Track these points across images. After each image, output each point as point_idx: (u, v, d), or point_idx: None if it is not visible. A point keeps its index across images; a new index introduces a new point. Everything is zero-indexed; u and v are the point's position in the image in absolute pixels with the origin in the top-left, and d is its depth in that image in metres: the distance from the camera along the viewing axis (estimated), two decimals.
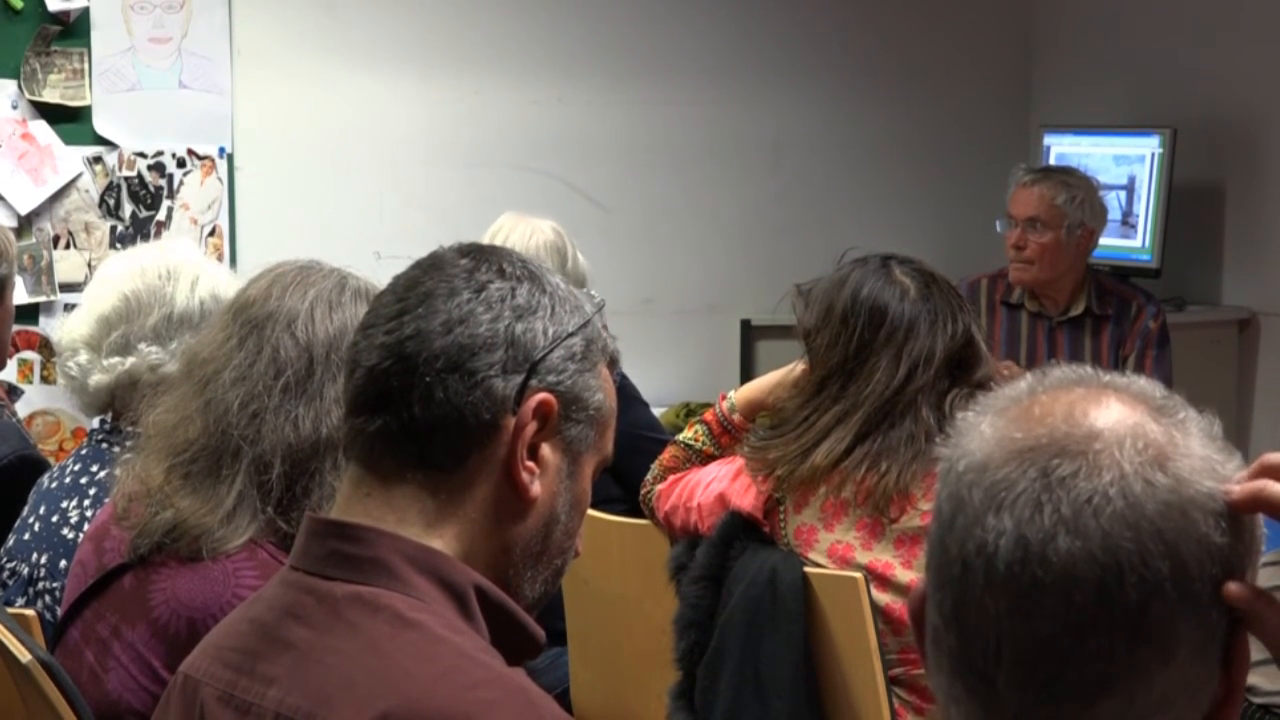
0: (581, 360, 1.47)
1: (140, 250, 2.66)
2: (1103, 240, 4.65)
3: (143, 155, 4.73)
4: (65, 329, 2.59)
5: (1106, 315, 4.55)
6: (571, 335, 1.46)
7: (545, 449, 1.45)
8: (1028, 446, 1.01)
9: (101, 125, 4.68)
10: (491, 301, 1.44)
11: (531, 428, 1.43)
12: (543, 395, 1.44)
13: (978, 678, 1.02)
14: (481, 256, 1.48)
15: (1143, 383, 1.08)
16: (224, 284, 2.53)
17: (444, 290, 1.44)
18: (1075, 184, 4.49)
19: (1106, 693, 0.99)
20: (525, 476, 1.44)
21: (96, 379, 2.53)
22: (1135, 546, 0.98)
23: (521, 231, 3.71)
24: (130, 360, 2.51)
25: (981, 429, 1.05)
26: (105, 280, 2.58)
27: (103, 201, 4.70)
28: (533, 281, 1.47)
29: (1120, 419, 1.02)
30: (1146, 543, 0.98)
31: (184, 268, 2.55)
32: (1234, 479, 1.04)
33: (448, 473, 1.43)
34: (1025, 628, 1.00)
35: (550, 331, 1.45)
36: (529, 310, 1.45)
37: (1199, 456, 1.02)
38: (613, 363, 1.53)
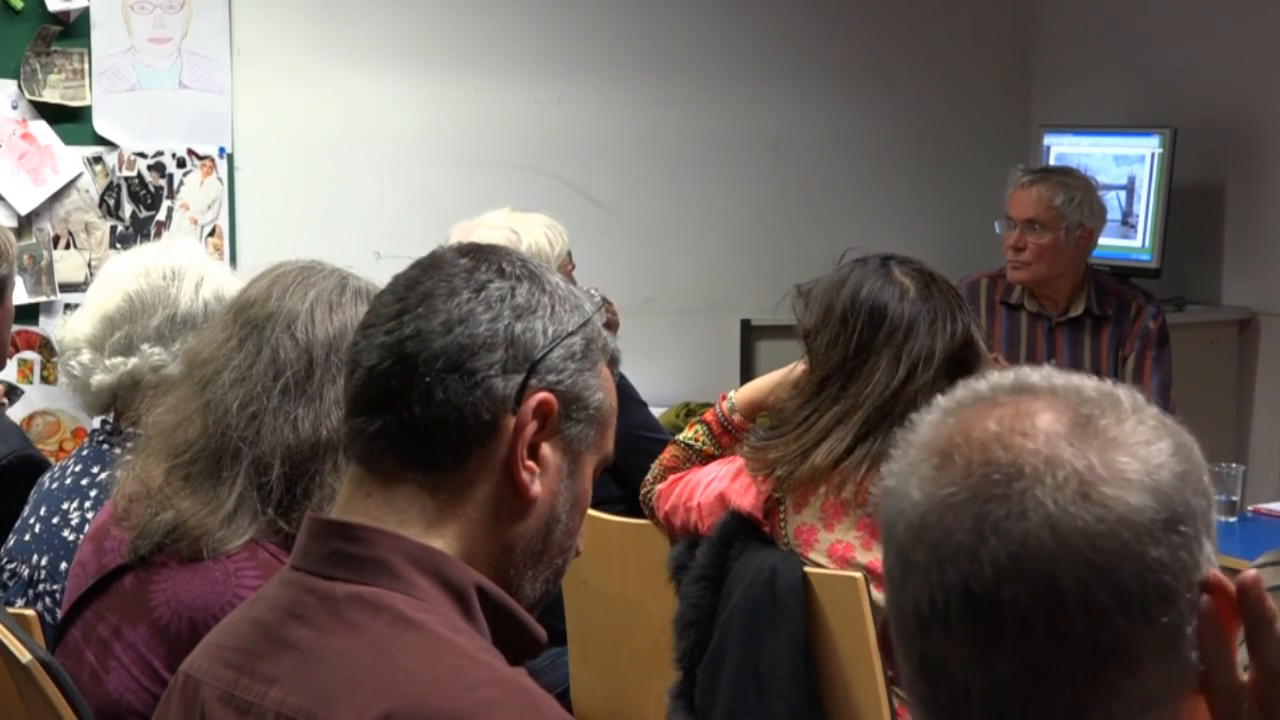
0: (581, 359, 1.47)
1: (144, 250, 2.66)
2: (1103, 240, 4.65)
3: (143, 155, 4.73)
4: (68, 328, 2.59)
5: (1106, 316, 4.55)
6: (571, 334, 1.47)
7: (545, 448, 1.46)
8: (958, 499, 1.03)
9: (101, 125, 4.68)
10: (491, 301, 1.44)
11: (531, 427, 1.43)
12: (543, 395, 1.44)
13: None
14: (481, 256, 1.48)
15: (1060, 382, 1.08)
16: (228, 285, 2.52)
17: (444, 290, 1.44)
18: (1073, 184, 4.49)
19: (1082, 716, 1.01)
20: (525, 476, 1.44)
21: (99, 379, 2.52)
22: (1074, 584, 0.99)
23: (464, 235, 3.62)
24: (133, 361, 2.50)
25: (910, 491, 1.06)
26: (109, 279, 2.57)
27: (103, 201, 4.70)
28: (532, 281, 1.47)
29: (1037, 448, 1.02)
30: (1085, 577, 1.00)
31: (189, 268, 2.55)
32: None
33: (448, 472, 1.43)
34: (988, 673, 1.02)
35: (550, 331, 1.45)
36: (529, 310, 1.45)
37: (1122, 469, 1.02)
38: (613, 362, 1.53)
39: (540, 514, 1.46)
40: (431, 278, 1.46)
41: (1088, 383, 1.08)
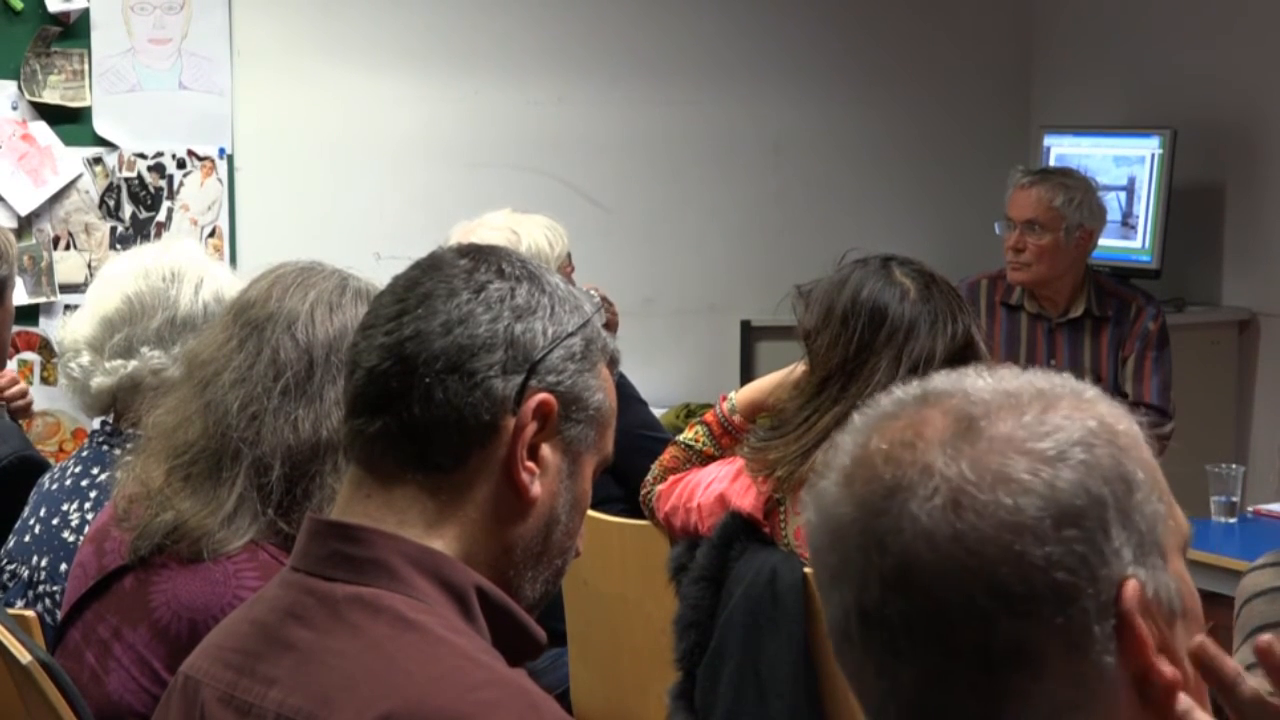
0: (581, 360, 1.47)
1: (144, 250, 2.65)
2: (1103, 241, 4.65)
3: (143, 156, 4.73)
4: (68, 329, 2.58)
5: (1106, 316, 4.55)
6: (571, 335, 1.47)
7: (545, 449, 1.46)
8: (846, 519, 1.03)
9: (101, 126, 4.68)
10: (491, 302, 1.44)
11: (531, 428, 1.43)
12: (542, 396, 1.44)
13: None
14: (481, 257, 1.48)
15: (962, 384, 1.06)
16: (227, 286, 2.52)
17: (443, 291, 1.44)
18: (1073, 185, 4.49)
19: None
20: (525, 477, 1.44)
21: (98, 381, 2.52)
22: (955, 593, 0.99)
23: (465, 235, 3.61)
24: (133, 363, 2.50)
25: (811, 515, 1.06)
26: (108, 281, 2.57)
27: (103, 202, 4.70)
28: (532, 281, 1.47)
29: (915, 459, 1.02)
30: (964, 584, 0.99)
31: (188, 270, 2.54)
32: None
33: (448, 473, 1.43)
34: (893, 686, 1.02)
35: (550, 332, 1.45)
36: (528, 310, 1.45)
37: (1000, 469, 1.00)
38: (612, 362, 1.53)
39: (540, 515, 1.46)
40: (431, 278, 1.46)
41: (989, 380, 1.06)
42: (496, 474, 1.43)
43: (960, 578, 0.99)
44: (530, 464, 1.44)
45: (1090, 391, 1.06)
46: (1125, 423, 1.05)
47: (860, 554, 1.02)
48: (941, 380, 1.07)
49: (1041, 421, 1.02)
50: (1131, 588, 1.01)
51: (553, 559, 1.49)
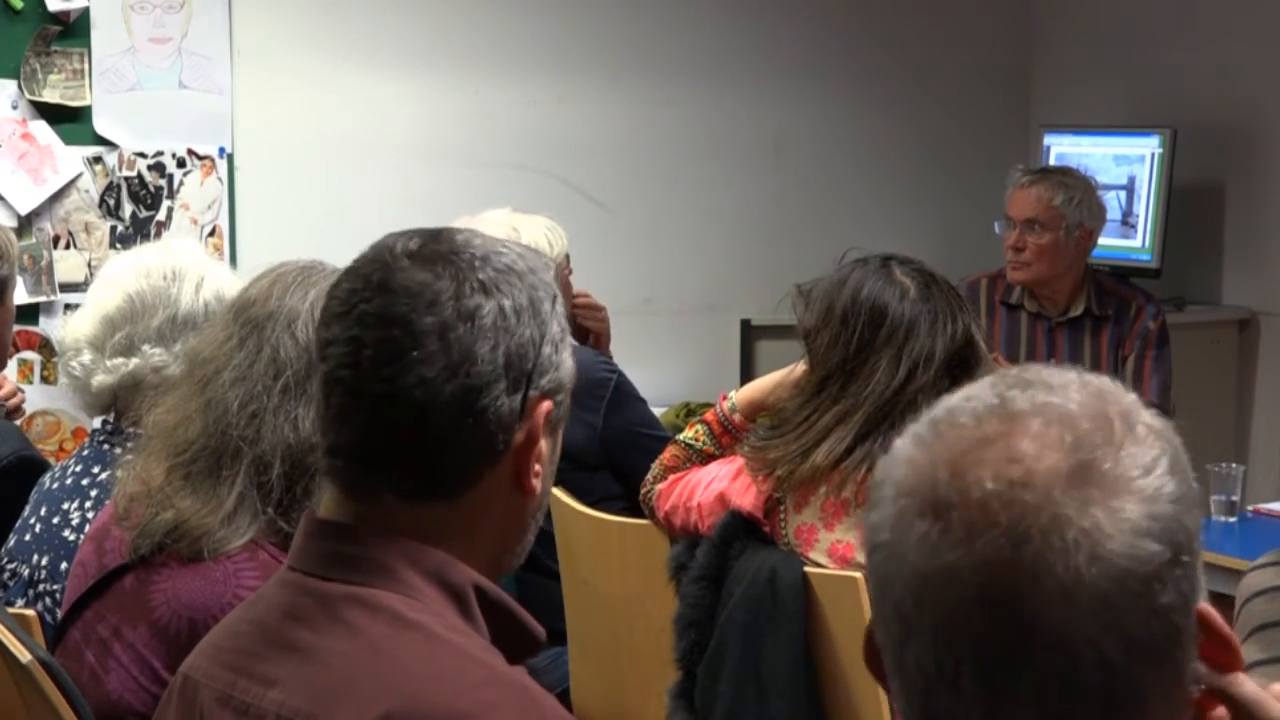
0: (559, 341, 1.45)
1: (145, 250, 2.66)
2: (1103, 240, 4.65)
3: (143, 155, 4.73)
4: (68, 328, 2.59)
5: (1106, 316, 4.55)
6: (546, 324, 1.43)
7: (543, 443, 1.45)
8: (962, 565, 0.99)
9: (101, 125, 4.68)
10: (485, 330, 1.39)
11: (539, 436, 1.42)
12: (544, 405, 1.42)
13: None
14: (459, 276, 1.40)
15: (1046, 400, 1.02)
16: (228, 285, 2.52)
17: (435, 327, 1.37)
18: (1073, 184, 4.49)
19: None
20: (534, 482, 1.43)
21: (99, 379, 2.52)
22: (1087, 646, 0.97)
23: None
24: (134, 361, 2.50)
25: (906, 553, 1.03)
26: (109, 280, 2.57)
27: (103, 201, 4.69)
28: (508, 280, 1.41)
29: (1039, 504, 0.97)
30: (1097, 638, 0.97)
31: (189, 269, 2.55)
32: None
33: (456, 499, 1.41)
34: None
35: (534, 334, 1.42)
36: (517, 320, 1.40)
37: (1127, 516, 0.98)
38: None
39: (535, 500, 1.46)
40: (414, 308, 1.37)
41: (1076, 398, 1.02)
42: (507, 485, 1.42)
43: (1096, 632, 0.97)
44: (537, 467, 1.44)
45: (1146, 412, 1.04)
46: (1180, 443, 1.04)
47: (980, 604, 0.98)
48: (1017, 393, 1.03)
49: (1137, 452, 1.00)
50: (1209, 610, 1.02)
51: (532, 524, 1.49)
